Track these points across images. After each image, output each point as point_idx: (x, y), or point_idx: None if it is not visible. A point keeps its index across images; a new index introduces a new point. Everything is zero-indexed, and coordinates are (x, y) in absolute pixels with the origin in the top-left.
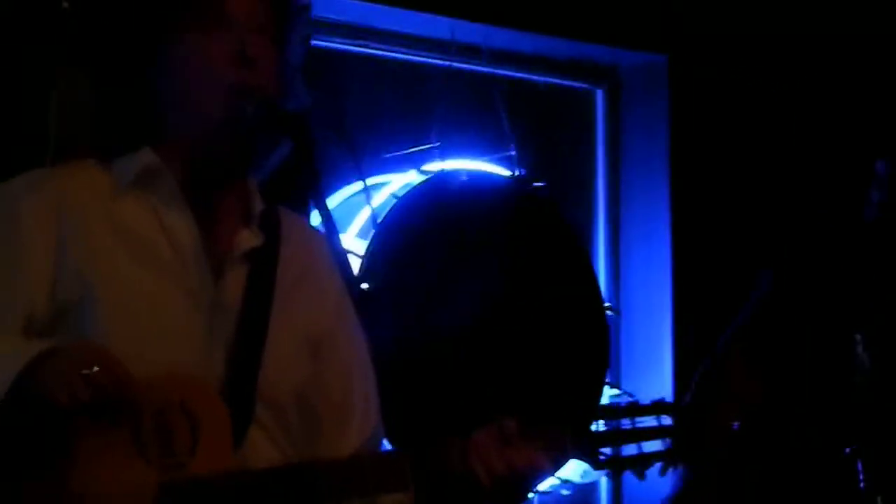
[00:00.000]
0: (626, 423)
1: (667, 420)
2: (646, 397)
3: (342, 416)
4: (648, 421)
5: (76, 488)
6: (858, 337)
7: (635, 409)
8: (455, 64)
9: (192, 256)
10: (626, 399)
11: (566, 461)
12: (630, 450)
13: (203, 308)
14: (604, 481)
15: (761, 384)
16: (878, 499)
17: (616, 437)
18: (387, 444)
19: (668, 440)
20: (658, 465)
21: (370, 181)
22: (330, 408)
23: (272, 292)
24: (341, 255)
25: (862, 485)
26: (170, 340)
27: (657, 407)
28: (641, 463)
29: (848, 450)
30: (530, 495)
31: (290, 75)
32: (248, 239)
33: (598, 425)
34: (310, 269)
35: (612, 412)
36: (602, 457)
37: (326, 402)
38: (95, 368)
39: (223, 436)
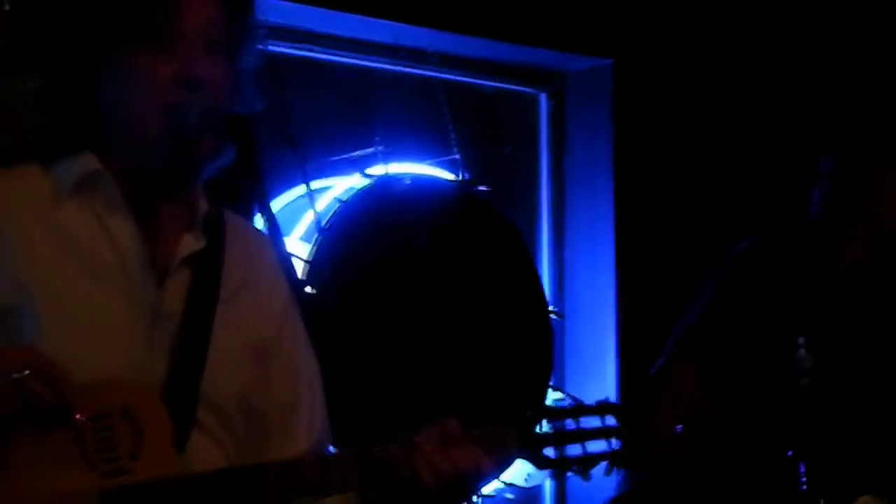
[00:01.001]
0: (570, 424)
1: (611, 421)
2: (590, 400)
3: (289, 420)
4: (593, 422)
5: (13, 495)
6: (801, 339)
7: (580, 409)
8: (399, 68)
9: (133, 262)
10: (570, 401)
11: (510, 463)
12: (575, 451)
13: (144, 313)
14: (548, 485)
15: (705, 386)
16: (820, 501)
17: (560, 437)
18: (332, 448)
19: (612, 441)
20: (603, 465)
21: (314, 185)
22: (276, 412)
23: (216, 297)
24: (286, 259)
25: (804, 487)
26: (110, 346)
27: (601, 407)
28: (586, 463)
29: (790, 452)
30: (475, 498)
31: (241, 82)
32: (190, 243)
33: (543, 426)
34: (254, 272)
35: (556, 413)
36: (546, 457)
37: (273, 407)
38: (27, 372)
39: (165, 440)
